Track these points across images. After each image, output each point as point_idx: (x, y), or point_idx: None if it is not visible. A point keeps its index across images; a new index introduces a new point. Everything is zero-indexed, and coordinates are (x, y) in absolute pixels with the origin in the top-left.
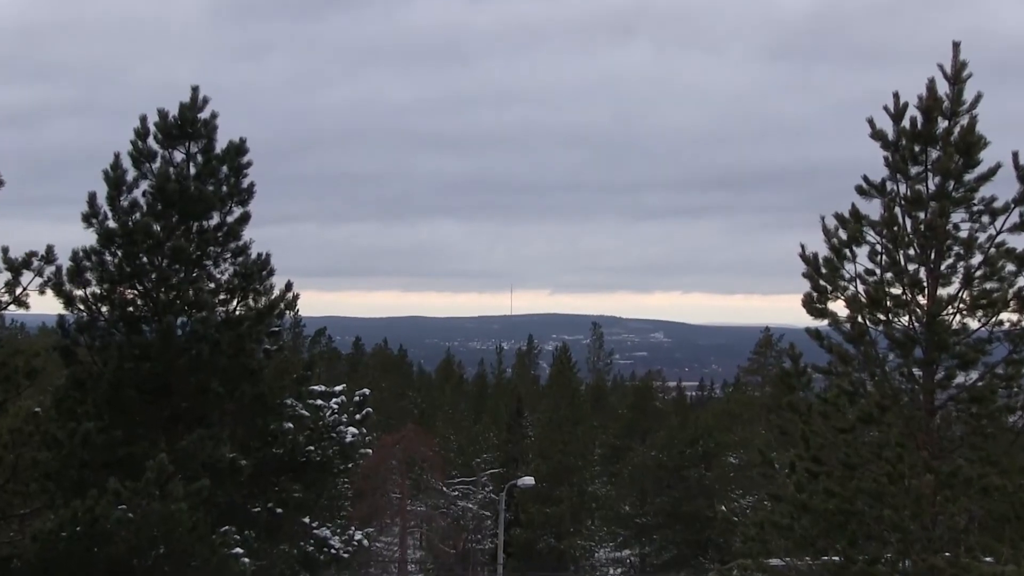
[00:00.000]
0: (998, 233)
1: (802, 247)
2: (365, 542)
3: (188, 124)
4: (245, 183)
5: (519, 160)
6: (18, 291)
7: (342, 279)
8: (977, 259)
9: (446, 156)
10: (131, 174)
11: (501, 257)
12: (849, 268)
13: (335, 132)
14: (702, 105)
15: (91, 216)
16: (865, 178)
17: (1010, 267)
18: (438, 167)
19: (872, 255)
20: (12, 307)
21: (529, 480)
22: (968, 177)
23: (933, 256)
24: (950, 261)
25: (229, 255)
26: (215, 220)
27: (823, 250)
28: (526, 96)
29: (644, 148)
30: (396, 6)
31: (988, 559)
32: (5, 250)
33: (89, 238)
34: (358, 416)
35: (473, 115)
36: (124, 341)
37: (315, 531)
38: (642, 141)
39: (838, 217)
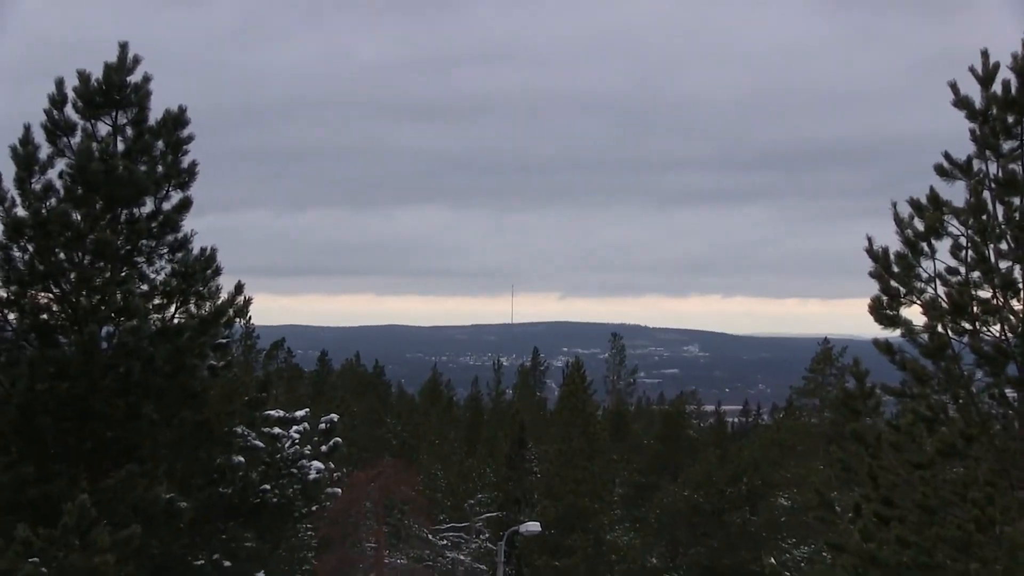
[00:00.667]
0: None
1: (869, 240)
2: None
3: (115, 90)
4: (185, 162)
5: (520, 133)
6: None
7: (304, 279)
8: None
9: (430, 127)
10: (45, 151)
11: (499, 253)
12: (927, 266)
13: (292, 98)
14: (742, 66)
15: None
16: (947, 155)
17: None
18: (420, 141)
19: (955, 250)
20: None
21: (534, 526)
22: None
23: None
24: None
25: (166, 250)
26: (148, 207)
27: (895, 244)
28: (526, 54)
29: (672, 119)
30: None
31: None
32: None
33: None
34: (324, 448)
35: (463, 77)
36: (36, 356)
37: None
38: (669, 110)
39: (913, 203)
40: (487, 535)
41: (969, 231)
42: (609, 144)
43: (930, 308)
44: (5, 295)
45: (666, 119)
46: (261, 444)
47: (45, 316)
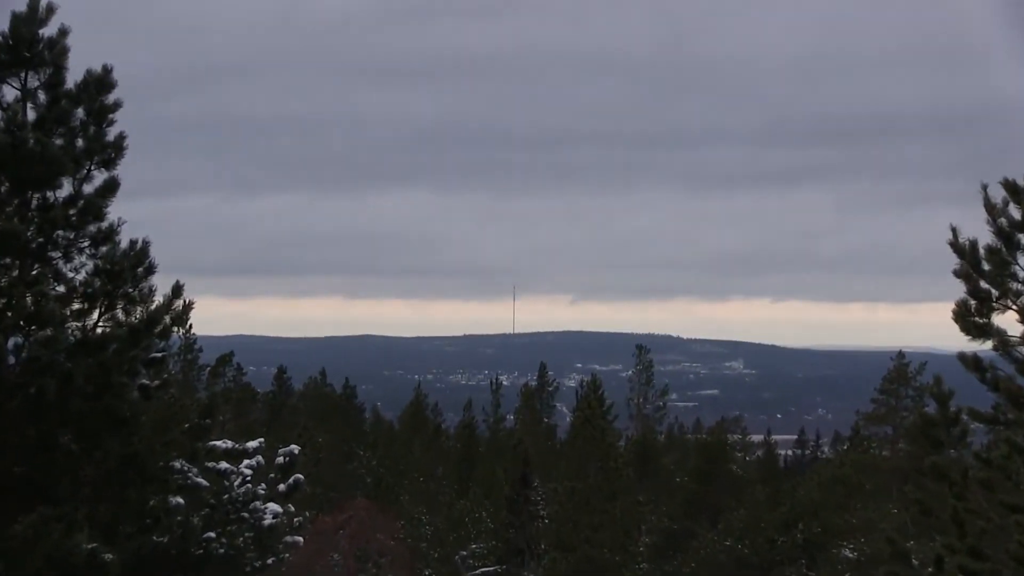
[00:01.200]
0: None
1: (953, 231)
2: None
3: (24, 45)
4: (111, 134)
5: (521, 100)
6: None
7: (258, 279)
8: None
9: (411, 94)
10: None
11: (497, 247)
12: None
13: (241, 56)
14: (794, 16)
15: None
16: None
17: None
18: (399, 110)
19: None
20: None
21: None
22: None
23: None
24: None
25: (87, 243)
26: (66, 190)
27: (985, 235)
28: (528, 3)
29: (707, 82)
30: None
31: None
32: None
33: None
34: (283, 487)
35: (449, 32)
36: None
37: None
38: (704, 72)
39: (1008, 186)
40: None
41: None
42: (630, 114)
43: None
44: None
45: (700, 82)
46: (205, 482)
47: None
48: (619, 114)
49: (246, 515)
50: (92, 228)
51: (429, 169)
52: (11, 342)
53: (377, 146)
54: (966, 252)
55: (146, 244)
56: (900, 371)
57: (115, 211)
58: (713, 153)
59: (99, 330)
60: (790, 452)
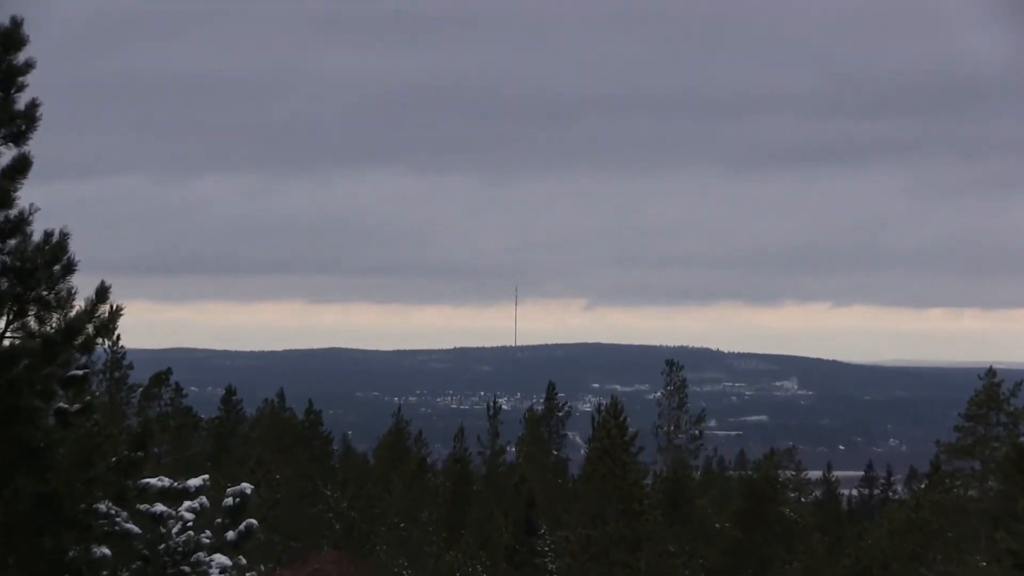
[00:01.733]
0: None
1: None
2: None
3: None
4: (21, 101)
5: (522, 60)
6: None
7: (201, 279)
8: None
9: (387, 53)
10: None
11: (495, 240)
12: None
13: (184, 6)
14: None
15: None
16: None
17: None
18: (373, 72)
19: None
20: None
21: None
22: None
23: None
24: None
25: None
26: None
27: None
28: None
29: (751, 38)
30: None
31: None
32: None
33: None
34: (232, 534)
35: None
36: None
37: None
38: (746, 25)
39: None
40: None
41: None
42: (656, 76)
43: None
44: None
45: (742, 38)
46: (136, 529)
47: None
48: (641, 79)
49: (187, 569)
50: None
51: (409, 144)
52: None
53: (344, 116)
54: None
55: (64, 236)
56: (990, 392)
57: (26, 196)
58: (760, 124)
59: (6, 342)
60: (855, 492)
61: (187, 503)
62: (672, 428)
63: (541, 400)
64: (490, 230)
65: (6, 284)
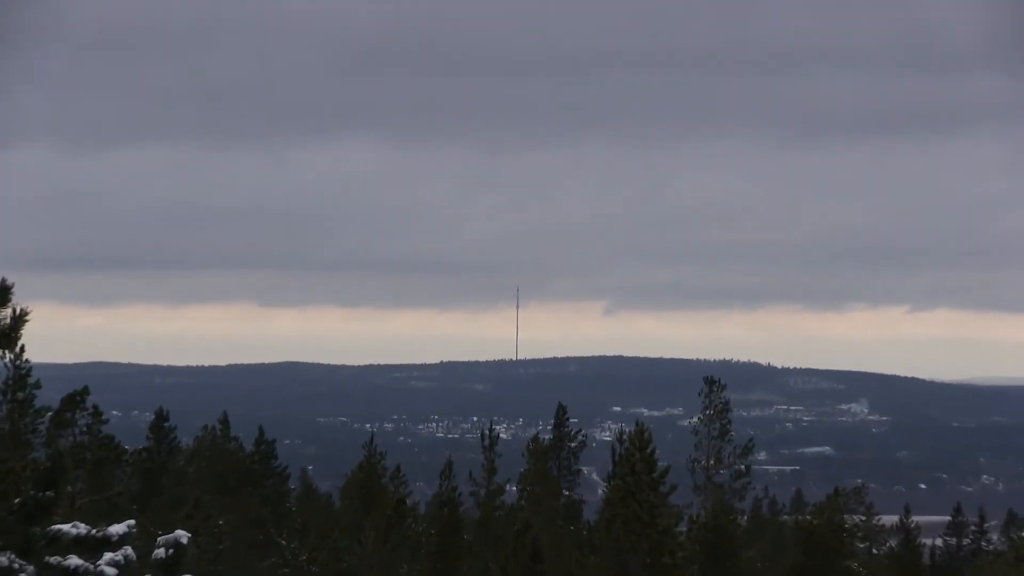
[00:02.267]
0: None
1: None
2: None
3: None
4: None
5: (523, 2)
6: None
7: (123, 278)
8: None
9: None
10: None
11: (491, 228)
12: None
13: None
14: None
15: None
16: None
17: None
18: (332, 14)
19: None
20: None
21: None
22: None
23: None
24: None
25: None
26: None
27: None
28: None
29: None
30: None
31: None
32: None
33: None
34: None
35: None
36: None
37: None
38: None
39: None
40: None
41: None
42: (692, 24)
43: None
44: None
45: None
46: None
47: None
48: (676, 25)
49: None
50: None
51: (382, 107)
52: None
53: (300, 71)
54: None
55: None
56: None
57: None
58: (823, 84)
59: None
60: (939, 541)
61: (108, 555)
62: (712, 462)
63: (549, 427)
64: (484, 215)
65: None
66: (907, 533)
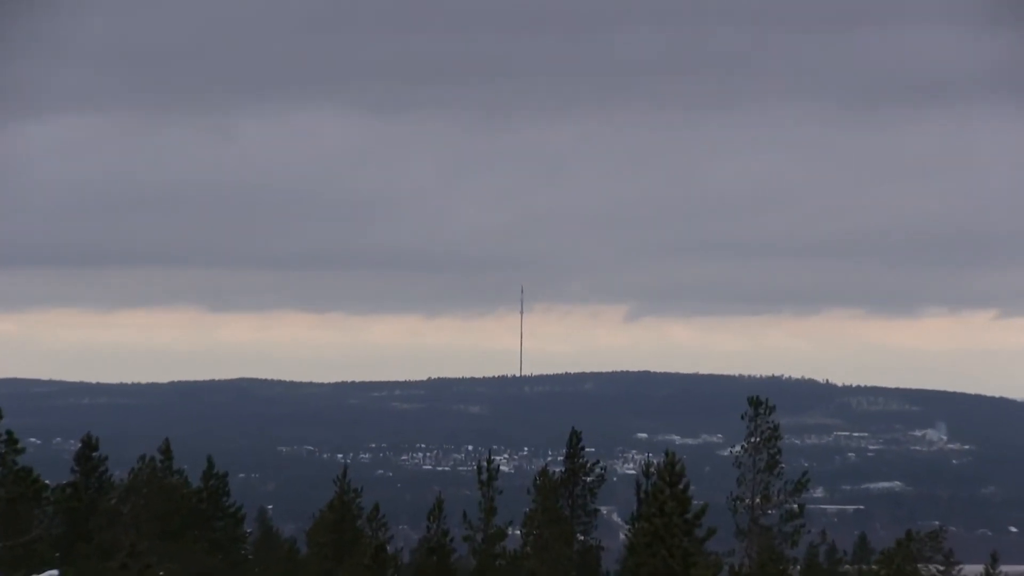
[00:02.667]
0: None
1: None
2: None
3: None
4: None
5: None
6: None
7: (42, 275)
8: None
9: None
10: None
11: (489, 216)
12: None
13: None
14: None
15: None
16: None
17: None
18: None
19: None
20: None
21: None
22: None
23: None
24: None
25: None
26: None
27: None
28: None
29: None
30: None
31: None
32: None
33: None
34: None
35: None
36: None
37: None
38: None
39: None
40: None
41: None
42: None
43: None
44: None
45: None
46: None
47: None
48: None
49: None
50: None
51: (351, 71)
52: None
53: (256, 27)
54: None
55: None
56: None
57: None
58: (889, 39)
59: None
60: None
61: None
62: (758, 500)
63: (560, 458)
64: (479, 200)
65: None
66: None
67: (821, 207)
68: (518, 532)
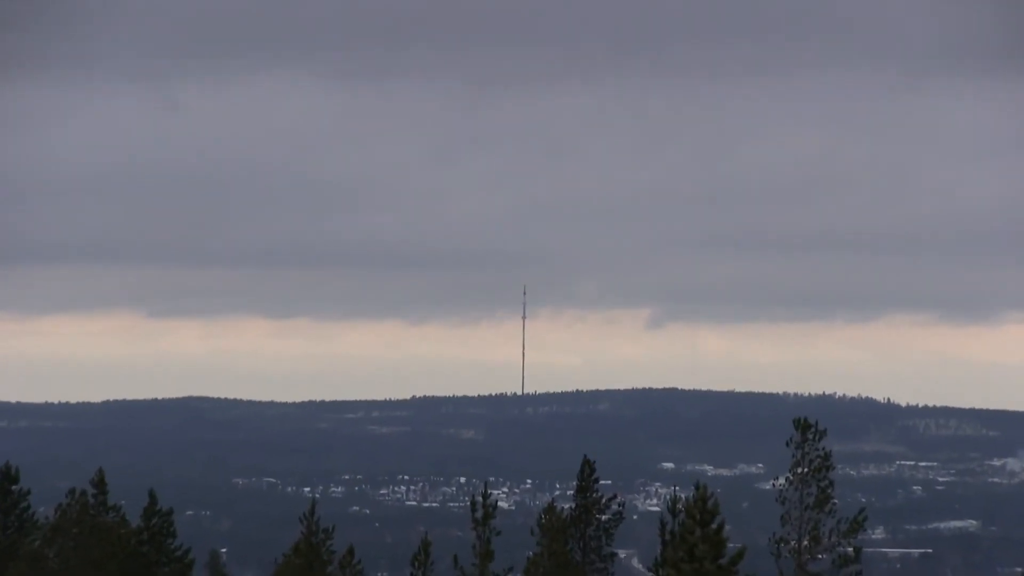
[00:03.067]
0: None
1: None
2: None
3: None
4: None
5: None
6: None
7: None
8: None
9: None
10: None
11: (487, 205)
12: None
13: None
14: None
15: None
16: None
17: None
18: None
19: None
20: None
21: None
22: None
23: None
24: None
25: None
26: None
27: None
28: None
29: None
30: None
31: None
32: None
33: None
34: None
35: None
36: None
37: None
38: None
39: None
40: None
41: None
42: None
43: None
44: None
45: None
46: None
47: None
48: None
49: None
50: None
51: (316, 32)
52: None
53: None
54: None
55: None
56: None
57: None
58: None
59: None
60: None
61: None
62: (807, 543)
63: (569, 492)
64: (472, 185)
65: None
66: None
67: (879, 192)
68: None
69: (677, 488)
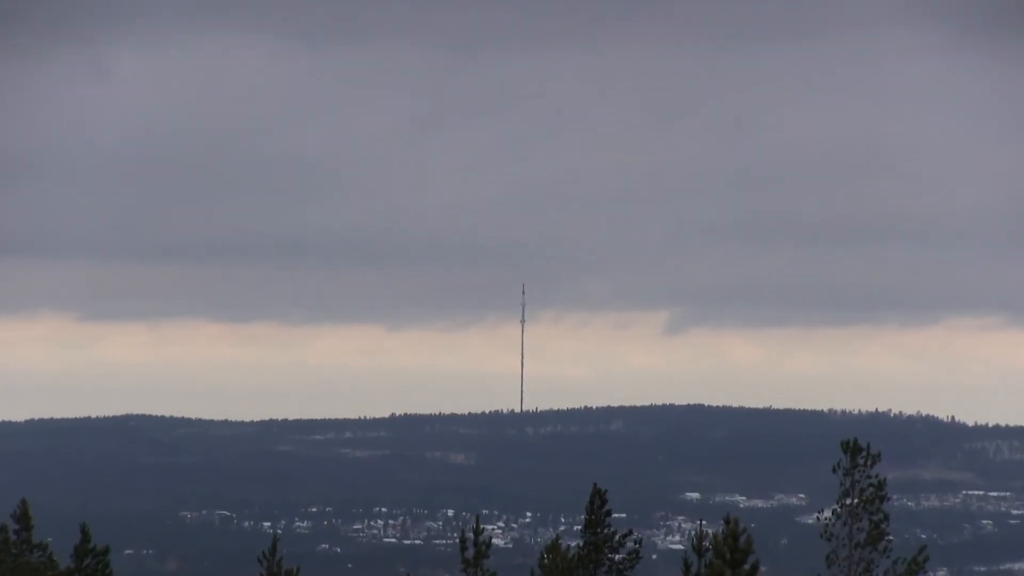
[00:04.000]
0: None
1: None
2: None
3: None
4: None
5: None
6: None
7: None
8: None
9: None
10: None
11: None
12: None
13: None
14: None
15: None
16: None
17: None
18: None
19: None
20: None
21: None
22: None
23: None
24: None
25: None
26: None
27: None
28: None
29: None
30: None
31: None
32: None
33: None
34: None
35: None
36: None
37: None
38: None
39: None
40: None
41: None
42: None
43: None
44: None
45: None
46: None
47: None
48: None
49: None
50: None
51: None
52: None
53: None
54: None
55: None
56: None
57: None
58: None
59: None
60: None
61: None
62: None
63: (577, 526)
64: (458, 168)
65: None
66: None
67: (935, 174)
68: None
69: (703, 522)
